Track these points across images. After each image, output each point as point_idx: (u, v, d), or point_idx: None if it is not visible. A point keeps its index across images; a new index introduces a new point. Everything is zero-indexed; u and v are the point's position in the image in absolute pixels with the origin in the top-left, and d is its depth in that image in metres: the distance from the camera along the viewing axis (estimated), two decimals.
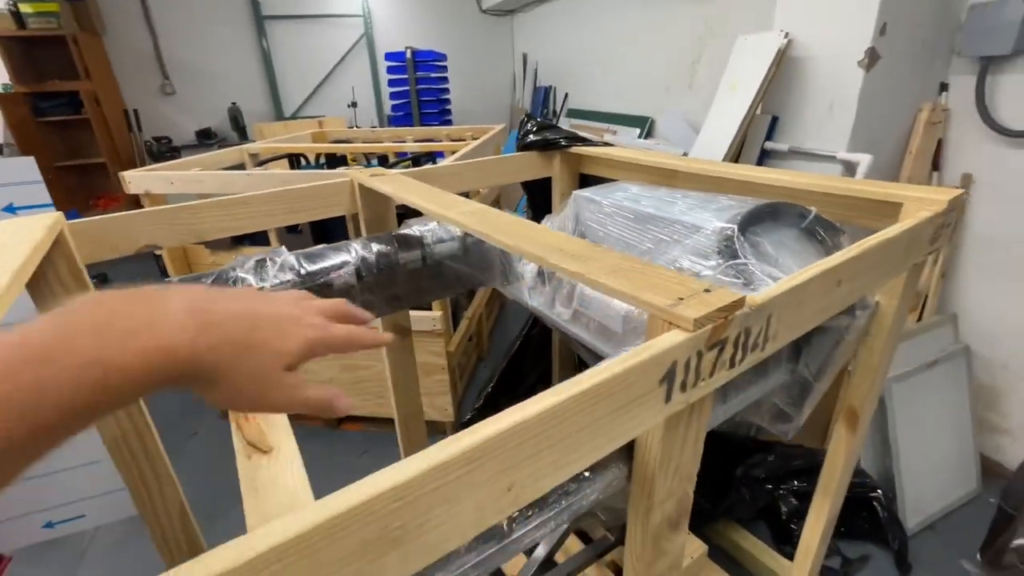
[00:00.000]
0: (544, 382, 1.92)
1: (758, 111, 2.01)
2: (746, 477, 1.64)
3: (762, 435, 1.89)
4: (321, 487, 0.35)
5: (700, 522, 1.55)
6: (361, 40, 5.31)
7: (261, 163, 2.48)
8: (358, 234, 1.17)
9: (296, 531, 0.26)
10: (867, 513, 1.63)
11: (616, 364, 0.39)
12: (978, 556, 1.41)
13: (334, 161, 2.69)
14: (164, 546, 1.11)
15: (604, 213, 1.05)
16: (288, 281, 0.92)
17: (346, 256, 0.97)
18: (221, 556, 0.25)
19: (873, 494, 1.62)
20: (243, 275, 0.88)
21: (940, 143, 1.83)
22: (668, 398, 0.44)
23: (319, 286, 0.95)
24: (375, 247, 1.01)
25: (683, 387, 0.45)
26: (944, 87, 1.82)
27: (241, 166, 2.43)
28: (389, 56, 3.85)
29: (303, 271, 0.93)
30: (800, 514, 1.64)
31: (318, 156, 2.64)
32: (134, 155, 4.65)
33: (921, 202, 0.76)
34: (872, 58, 1.64)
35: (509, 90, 6.13)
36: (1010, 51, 1.56)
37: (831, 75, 1.76)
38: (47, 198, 1.26)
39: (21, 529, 1.48)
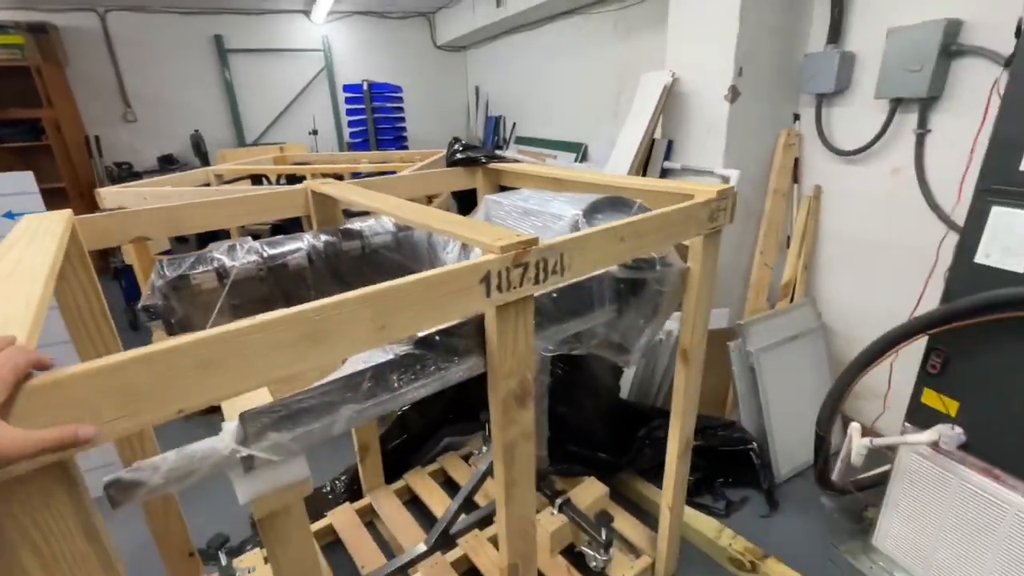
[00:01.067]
0: None
1: (658, 135, 2.42)
2: (649, 437, 1.95)
3: (666, 406, 2.22)
4: None
5: (608, 473, 1.85)
6: (321, 72, 5.63)
7: (226, 183, 2.72)
8: None
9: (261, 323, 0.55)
10: (746, 464, 1.96)
11: (449, 268, 0.70)
12: (816, 484, 1.74)
13: (294, 181, 2.95)
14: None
15: (504, 210, 1.36)
16: (253, 261, 1.19)
17: (299, 244, 1.25)
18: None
19: (750, 447, 1.96)
20: (218, 256, 1.15)
21: (797, 161, 2.27)
22: (488, 294, 0.74)
23: (278, 266, 1.22)
24: (323, 237, 1.29)
25: (499, 289, 0.76)
26: (796, 117, 2.26)
27: (207, 185, 2.66)
28: (347, 88, 4.17)
29: (265, 253, 1.20)
30: (695, 468, 1.96)
31: (279, 176, 2.90)
32: (94, 179, 4.76)
33: (703, 193, 1.10)
34: (734, 93, 2.06)
35: (464, 119, 6.54)
36: (832, 89, 2.01)
37: (706, 106, 2.17)
38: (42, 207, 1.48)
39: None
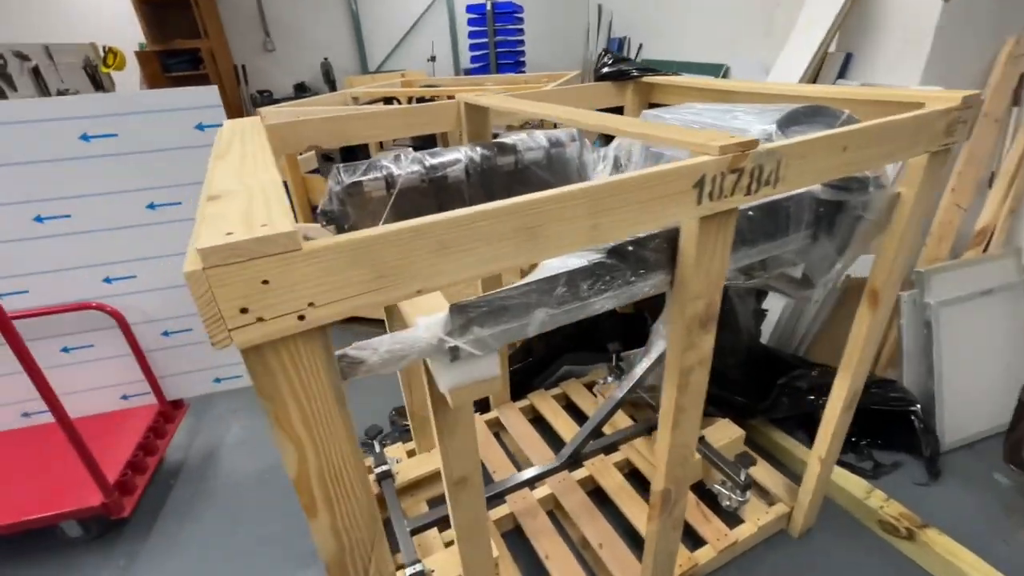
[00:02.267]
0: None
1: (832, 48, 2.06)
2: (788, 386, 1.81)
3: (809, 356, 2.03)
4: None
5: (742, 417, 1.76)
6: None
7: (364, 104, 2.81)
8: None
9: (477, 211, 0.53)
10: (904, 428, 1.76)
11: (665, 167, 0.63)
12: (1004, 455, 1.51)
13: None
14: None
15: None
16: (416, 171, 1.20)
17: (458, 155, 1.24)
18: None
19: (912, 408, 1.74)
20: (386, 163, 1.18)
21: (1022, 77, 1.82)
22: (699, 201, 0.67)
23: (438, 178, 1.23)
24: (479, 150, 1.27)
25: (711, 196, 0.68)
26: None
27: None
28: (470, 8, 4.05)
29: (427, 163, 1.21)
30: None
31: (410, 99, 2.93)
32: (241, 107, 5.21)
33: (939, 100, 0.91)
34: None
35: (582, 43, 6.13)
36: None
37: (909, 9, 1.79)
38: (224, 118, 1.62)
39: (196, 382, 1.95)
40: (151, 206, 1.66)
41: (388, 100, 2.92)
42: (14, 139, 1.48)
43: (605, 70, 1.61)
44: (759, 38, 3.21)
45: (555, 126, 1.56)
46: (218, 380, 1.97)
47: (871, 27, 1.91)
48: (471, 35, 4.15)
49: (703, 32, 3.77)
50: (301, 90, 5.41)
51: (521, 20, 4.25)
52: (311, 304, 0.47)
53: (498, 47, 4.12)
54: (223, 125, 1.12)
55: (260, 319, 0.45)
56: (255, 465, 1.89)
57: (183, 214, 1.68)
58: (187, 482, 1.84)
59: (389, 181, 1.17)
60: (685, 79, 1.54)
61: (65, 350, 1.78)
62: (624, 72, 1.60)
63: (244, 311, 0.44)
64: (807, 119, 0.99)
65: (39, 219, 1.60)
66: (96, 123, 1.53)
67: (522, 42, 4.34)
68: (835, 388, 1.26)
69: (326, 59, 5.38)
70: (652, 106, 1.68)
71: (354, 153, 2.41)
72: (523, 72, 4.56)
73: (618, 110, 1.69)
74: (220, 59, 4.98)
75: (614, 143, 1.44)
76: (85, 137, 1.54)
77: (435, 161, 1.22)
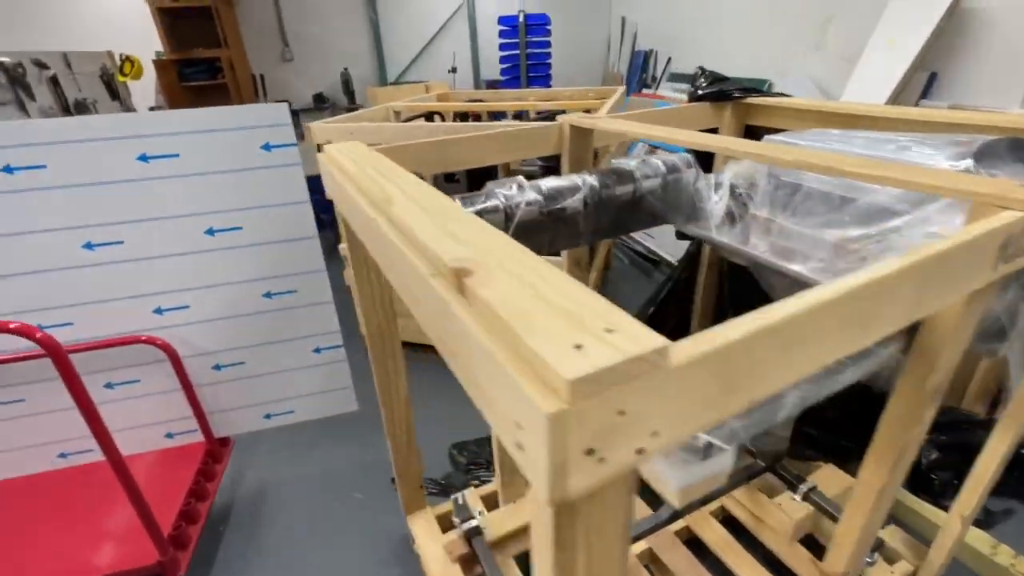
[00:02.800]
0: (682, 331, 2.04)
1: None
2: None
3: None
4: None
5: (848, 462, 1.64)
6: (462, 7, 5.43)
7: (407, 120, 2.70)
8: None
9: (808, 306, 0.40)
10: (1015, 469, 1.65)
11: (977, 228, 0.51)
12: None
13: (463, 119, 2.87)
14: (392, 427, 1.35)
15: None
16: (534, 201, 1.08)
17: (577, 183, 1.13)
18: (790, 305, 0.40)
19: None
20: (504, 193, 1.06)
21: None
22: (995, 266, 0.55)
23: (556, 209, 1.11)
24: (597, 178, 1.15)
25: (1005, 259, 0.56)
26: None
27: (387, 122, 2.66)
28: (503, 20, 3.96)
29: (545, 192, 1.09)
30: (941, 466, 1.69)
31: (458, 115, 2.83)
32: None
33: None
34: None
35: (603, 55, 6.08)
36: None
37: (1015, 26, 1.70)
38: (294, 138, 1.50)
39: (246, 418, 1.81)
40: (210, 231, 1.53)
41: (430, 116, 2.81)
42: (68, 159, 1.36)
43: (703, 90, 1.50)
44: (808, 53, 3.13)
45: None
46: (268, 416, 1.83)
47: (962, 45, 1.82)
48: (502, 47, 4.06)
49: (742, 46, 3.70)
50: (320, 101, 5.30)
51: (550, 32, 4.17)
52: (654, 434, 0.35)
53: (528, 59, 4.03)
54: (325, 150, 0.99)
55: (602, 460, 0.33)
56: (307, 511, 1.74)
57: (243, 240, 1.55)
58: (238, 528, 1.69)
59: (508, 214, 1.05)
60: (793, 100, 1.43)
61: (109, 386, 1.64)
62: (724, 92, 1.49)
63: (590, 452, 0.32)
64: (1009, 153, 0.88)
65: (89, 246, 1.46)
66: (157, 143, 1.41)
67: (550, 55, 4.25)
68: (995, 439, 1.14)
69: (345, 69, 5.28)
70: (750, 129, 1.58)
71: (481, 177, 2.28)
72: (549, 83, 4.48)
73: (712, 132, 1.58)
74: (239, 68, 4.87)
75: (730, 170, 1.34)
76: (143, 158, 1.41)
77: (554, 191, 1.10)
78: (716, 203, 1.26)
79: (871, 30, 2.67)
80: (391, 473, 1.43)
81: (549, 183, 1.11)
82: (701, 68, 1.54)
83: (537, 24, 3.94)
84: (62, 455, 1.69)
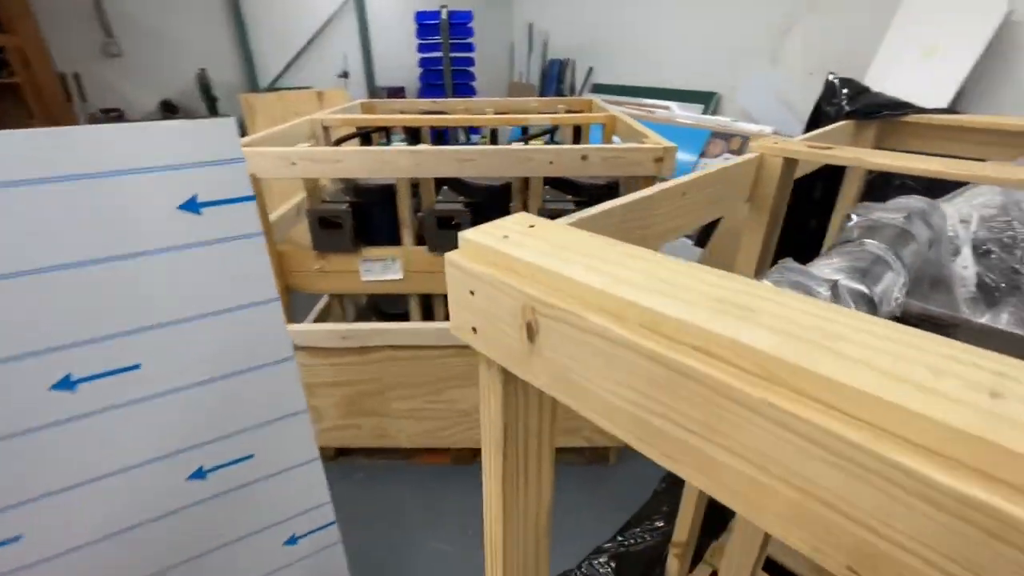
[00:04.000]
0: None
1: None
2: None
3: None
4: None
5: None
6: (349, 1, 4.64)
7: (340, 140, 1.97)
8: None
9: None
10: None
11: None
12: None
13: (414, 136, 2.22)
14: None
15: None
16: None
17: (888, 260, 0.63)
18: None
19: None
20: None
21: None
22: None
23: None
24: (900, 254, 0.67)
25: None
26: None
27: (313, 140, 1.91)
28: (421, 17, 3.32)
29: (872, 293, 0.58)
30: None
31: (406, 131, 2.15)
32: None
33: None
34: None
35: (506, 62, 5.69)
36: None
37: None
38: (248, 185, 0.78)
39: None
40: (65, 385, 0.74)
41: (366, 137, 2.11)
42: None
43: (850, 106, 1.11)
44: (763, 66, 3.02)
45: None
46: None
47: (1009, 59, 1.71)
48: (421, 48, 3.41)
49: (684, 57, 3.54)
50: (169, 110, 4.10)
51: (472, 31, 3.61)
52: None
53: (453, 64, 3.45)
54: (455, 262, 0.38)
55: None
56: None
57: (141, 389, 0.78)
58: None
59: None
60: (963, 118, 1.11)
61: None
62: (874, 109, 1.12)
63: None
64: None
65: None
66: None
67: (473, 60, 3.70)
68: None
69: (203, 71, 4.15)
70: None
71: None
72: (472, 94, 3.91)
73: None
74: (37, 63, 3.52)
75: (953, 216, 0.95)
76: None
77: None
78: (964, 267, 0.87)
79: (837, 43, 2.58)
80: None
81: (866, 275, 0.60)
82: (838, 77, 1.15)
83: (460, 23, 3.37)
84: None
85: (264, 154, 1.29)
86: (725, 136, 2.67)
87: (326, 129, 1.97)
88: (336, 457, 1.76)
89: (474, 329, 0.39)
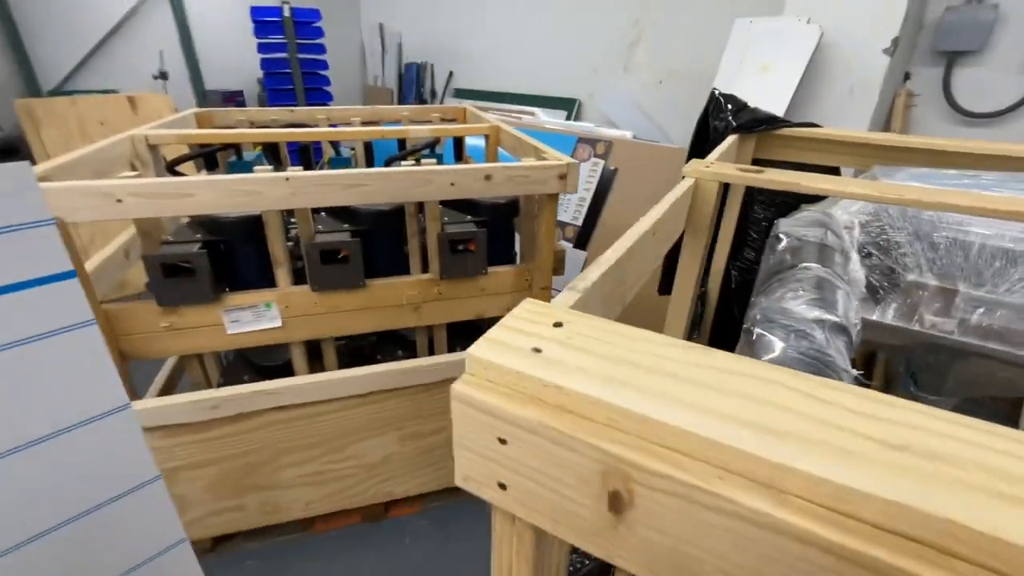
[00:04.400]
0: None
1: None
2: None
3: None
4: None
5: None
6: None
7: (176, 161, 1.60)
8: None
9: None
10: None
11: None
12: None
13: (272, 154, 1.92)
14: None
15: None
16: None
17: (837, 284, 0.64)
18: None
19: None
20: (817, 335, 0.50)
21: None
22: None
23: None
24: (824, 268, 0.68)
25: None
26: (907, 76, 2.15)
27: (134, 162, 1.53)
28: (257, 12, 2.90)
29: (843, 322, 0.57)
30: None
31: (265, 148, 1.83)
32: None
33: None
34: (895, 46, 1.83)
35: (358, 66, 5.34)
36: (976, 48, 1.92)
37: (856, 60, 1.91)
38: (66, 259, 0.53)
39: None
40: None
41: (210, 158, 1.77)
42: None
43: (732, 119, 1.18)
44: (618, 74, 3.21)
45: None
46: None
47: (819, 76, 2.00)
48: (261, 48, 2.99)
49: (546, 65, 3.62)
50: None
51: (322, 31, 3.27)
52: None
53: (303, 67, 3.09)
54: (467, 388, 0.26)
55: None
56: None
57: None
58: None
59: None
60: (846, 132, 1.22)
61: None
62: (754, 123, 1.20)
63: None
64: None
65: None
66: None
67: (326, 63, 3.35)
68: None
69: None
70: (757, 162, 1.33)
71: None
72: (328, 101, 3.55)
73: None
74: None
75: (800, 220, 1.04)
76: None
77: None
78: (856, 272, 0.95)
79: (681, 54, 2.83)
80: None
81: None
82: (722, 93, 1.20)
83: (306, 22, 3.03)
84: None
85: (73, 190, 0.96)
86: (591, 141, 2.75)
87: (153, 148, 1.60)
88: (214, 548, 1.44)
89: (502, 485, 0.28)
